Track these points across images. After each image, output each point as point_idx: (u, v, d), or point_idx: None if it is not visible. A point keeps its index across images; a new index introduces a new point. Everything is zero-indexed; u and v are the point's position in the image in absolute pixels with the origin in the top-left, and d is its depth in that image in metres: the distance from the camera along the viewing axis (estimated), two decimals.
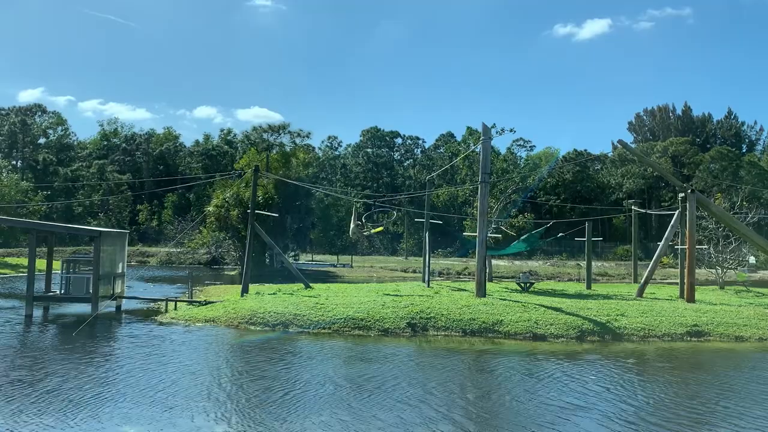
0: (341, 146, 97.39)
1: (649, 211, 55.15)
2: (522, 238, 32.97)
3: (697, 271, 26.57)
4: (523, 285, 27.25)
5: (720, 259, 34.04)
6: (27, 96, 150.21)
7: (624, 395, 12.10)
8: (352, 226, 29.29)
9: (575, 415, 10.61)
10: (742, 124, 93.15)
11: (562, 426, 10.02)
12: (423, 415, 10.52)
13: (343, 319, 19.24)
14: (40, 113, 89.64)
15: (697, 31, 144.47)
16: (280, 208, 42.33)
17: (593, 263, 37.51)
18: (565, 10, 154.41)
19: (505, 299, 22.18)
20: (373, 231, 32.19)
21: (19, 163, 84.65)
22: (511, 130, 47.19)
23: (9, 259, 51.01)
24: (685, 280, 24.83)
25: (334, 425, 9.91)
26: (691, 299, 23.79)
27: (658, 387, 12.91)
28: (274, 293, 24.53)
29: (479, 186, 23.70)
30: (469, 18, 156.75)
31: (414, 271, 49.99)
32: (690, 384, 13.29)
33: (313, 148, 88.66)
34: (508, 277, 42.88)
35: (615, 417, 10.55)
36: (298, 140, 66.56)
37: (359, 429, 9.77)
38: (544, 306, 20.78)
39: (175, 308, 23.47)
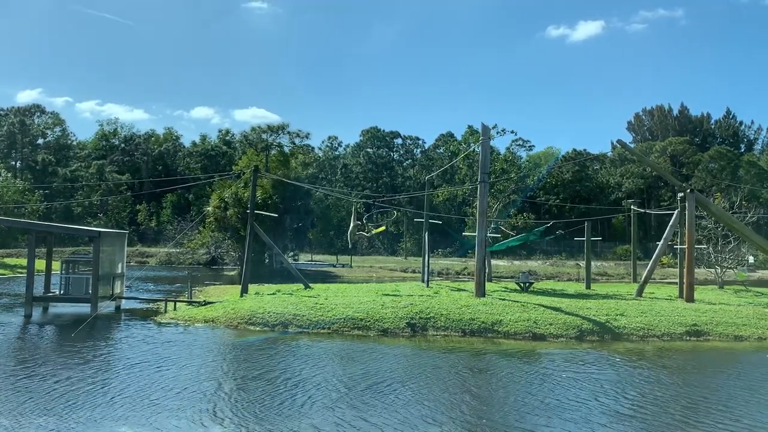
0: (341, 146, 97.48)
1: (648, 211, 55.14)
2: (520, 236, 33.10)
3: (696, 270, 26.59)
4: (522, 285, 27.24)
5: (719, 258, 34.04)
6: (25, 96, 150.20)
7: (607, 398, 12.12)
8: (351, 226, 29.24)
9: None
10: (741, 123, 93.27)
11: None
12: (420, 415, 10.53)
13: (342, 319, 19.24)
14: (38, 114, 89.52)
15: (692, 32, 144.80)
16: (279, 209, 42.28)
17: (592, 263, 37.53)
18: (556, 12, 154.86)
19: (504, 299, 22.18)
20: (374, 231, 32.20)
21: (18, 164, 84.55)
22: (511, 131, 47.12)
23: (7, 260, 50.91)
24: (685, 280, 24.84)
25: (333, 425, 9.91)
26: (690, 299, 23.80)
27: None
28: (273, 293, 24.52)
29: (478, 186, 23.70)
30: (463, 18, 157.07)
31: (413, 271, 49.98)
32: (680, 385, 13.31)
33: (312, 148, 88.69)
34: (507, 277, 42.89)
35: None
36: (297, 141, 66.35)
37: (358, 429, 9.78)
38: (543, 306, 20.78)
39: (175, 308, 23.46)
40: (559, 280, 41.84)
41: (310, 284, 27.19)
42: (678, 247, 29.54)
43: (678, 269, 29.31)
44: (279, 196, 45.30)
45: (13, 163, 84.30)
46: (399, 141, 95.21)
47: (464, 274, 49.29)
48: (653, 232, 71.66)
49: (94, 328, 19.33)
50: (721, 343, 18.18)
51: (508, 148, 77.69)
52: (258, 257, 43.67)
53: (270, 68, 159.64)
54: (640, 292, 25.57)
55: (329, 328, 18.87)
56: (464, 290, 25.87)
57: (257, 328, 19.23)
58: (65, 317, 22.10)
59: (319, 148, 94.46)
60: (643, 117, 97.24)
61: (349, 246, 39.75)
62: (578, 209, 68.94)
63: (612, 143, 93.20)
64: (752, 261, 46.18)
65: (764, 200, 62.01)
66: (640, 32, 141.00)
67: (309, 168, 77.82)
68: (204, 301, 24.56)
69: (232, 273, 45.91)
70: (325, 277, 42.51)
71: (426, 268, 30.17)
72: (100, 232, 24.21)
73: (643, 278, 26.46)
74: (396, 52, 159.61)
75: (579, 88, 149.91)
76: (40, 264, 25.61)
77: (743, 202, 38.55)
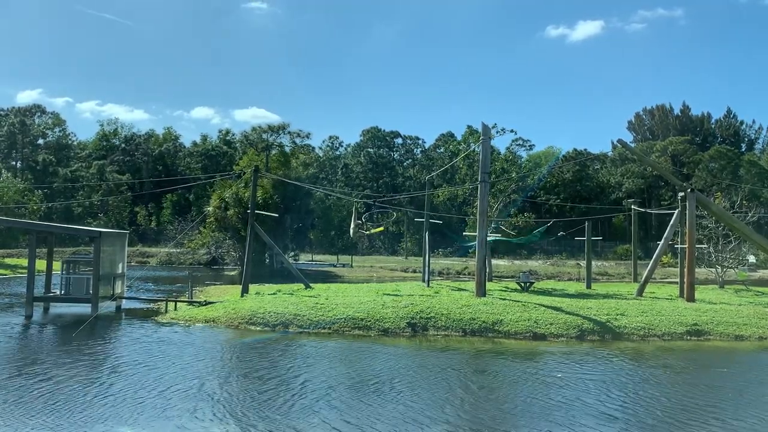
0: (342, 146, 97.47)
1: (648, 211, 55.14)
2: (519, 237, 33.16)
3: (696, 270, 26.57)
4: (523, 284, 27.24)
5: (720, 258, 34.04)
6: (25, 97, 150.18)
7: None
8: (352, 225, 29.30)
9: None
10: (741, 123, 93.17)
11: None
12: (419, 415, 10.52)
13: (343, 319, 19.23)
14: (39, 114, 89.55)
15: (691, 32, 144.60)
16: (280, 209, 42.28)
17: (593, 263, 37.51)
18: (556, 12, 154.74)
19: (505, 299, 22.18)
20: (373, 231, 32.25)
21: (18, 164, 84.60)
22: (511, 131, 47.18)
23: (8, 260, 50.91)
24: (685, 280, 24.83)
25: (333, 426, 9.90)
26: (690, 298, 23.79)
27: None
28: (274, 293, 24.52)
29: (479, 186, 23.70)
30: (463, 18, 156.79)
31: (414, 271, 49.96)
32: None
33: (313, 148, 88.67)
34: (508, 277, 42.87)
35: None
36: (297, 141, 66.50)
37: (358, 429, 9.78)
38: (544, 305, 20.77)
39: (175, 308, 23.46)
40: (559, 280, 41.82)
41: (311, 284, 27.18)
42: (678, 246, 29.54)
43: (678, 269, 29.30)
44: (280, 196, 45.32)
45: (14, 163, 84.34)
46: (399, 141, 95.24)
47: (465, 274, 49.28)
48: (654, 231, 71.61)
49: (95, 329, 19.33)
50: (722, 342, 18.18)
51: (508, 148, 77.57)
52: (258, 257, 43.67)
53: (270, 68, 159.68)
54: (640, 292, 25.56)
55: (330, 328, 18.86)
56: (465, 290, 25.87)
57: (258, 328, 19.23)
58: (66, 317, 22.10)
59: (320, 148, 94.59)
60: (644, 116, 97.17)
61: (355, 242, 39.75)
62: (579, 209, 68.84)
63: (612, 143, 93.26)
64: (753, 260, 46.17)
65: (765, 200, 61.95)
66: (639, 32, 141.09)
67: (309, 168, 77.79)
68: (204, 301, 24.56)
69: (233, 273, 45.91)
70: (326, 277, 42.49)
71: (426, 268, 30.17)
72: (100, 232, 24.20)
73: (643, 278, 26.46)
74: (396, 52, 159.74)
75: (579, 88, 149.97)
76: (40, 264, 25.62)
77: (744, 202, 38.56)
